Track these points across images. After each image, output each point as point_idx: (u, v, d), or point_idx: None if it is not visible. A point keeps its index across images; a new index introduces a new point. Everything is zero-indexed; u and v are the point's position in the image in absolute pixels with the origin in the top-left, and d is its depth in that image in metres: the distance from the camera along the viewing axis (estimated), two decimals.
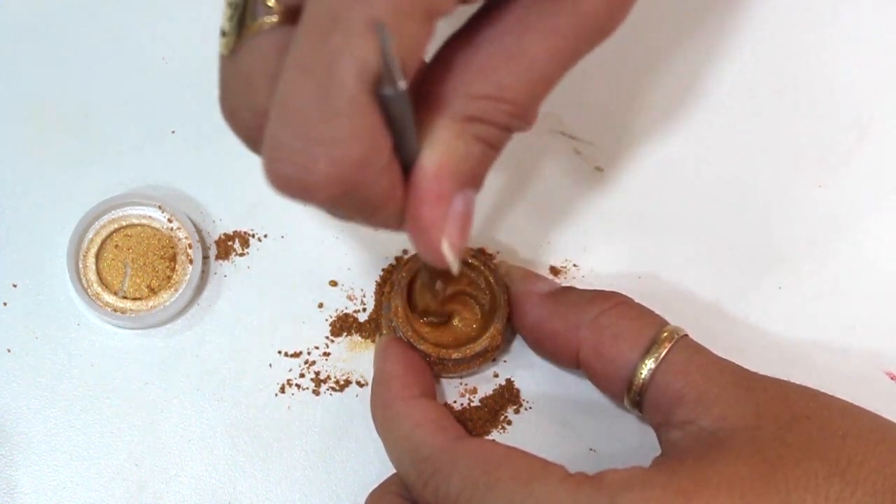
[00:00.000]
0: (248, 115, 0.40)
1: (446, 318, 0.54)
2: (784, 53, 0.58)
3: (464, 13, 0.41)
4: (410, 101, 0.38)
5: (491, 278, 0.53)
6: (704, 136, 0.57)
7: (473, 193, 0.42)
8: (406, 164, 0.40)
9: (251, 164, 0.56)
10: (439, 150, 0.41)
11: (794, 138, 0.57)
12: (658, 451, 0.48)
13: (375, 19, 0.36)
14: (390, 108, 0.38)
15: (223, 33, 0.40)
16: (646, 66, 0.57)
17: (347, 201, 0.39)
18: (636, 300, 0.51)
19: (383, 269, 0.55)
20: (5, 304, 0.54)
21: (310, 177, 0.38)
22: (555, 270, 0.55)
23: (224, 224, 0.56)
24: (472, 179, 0.42)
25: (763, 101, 0.58)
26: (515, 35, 0.41)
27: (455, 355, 0.52)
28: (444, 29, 0.41)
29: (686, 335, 0.49)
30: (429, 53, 0.41)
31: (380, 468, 0.52)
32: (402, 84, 0.37)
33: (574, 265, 0.56)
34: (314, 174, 0.38)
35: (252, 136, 0.41)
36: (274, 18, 0.39)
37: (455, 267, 0.42)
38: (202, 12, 0.58)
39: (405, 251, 0.55)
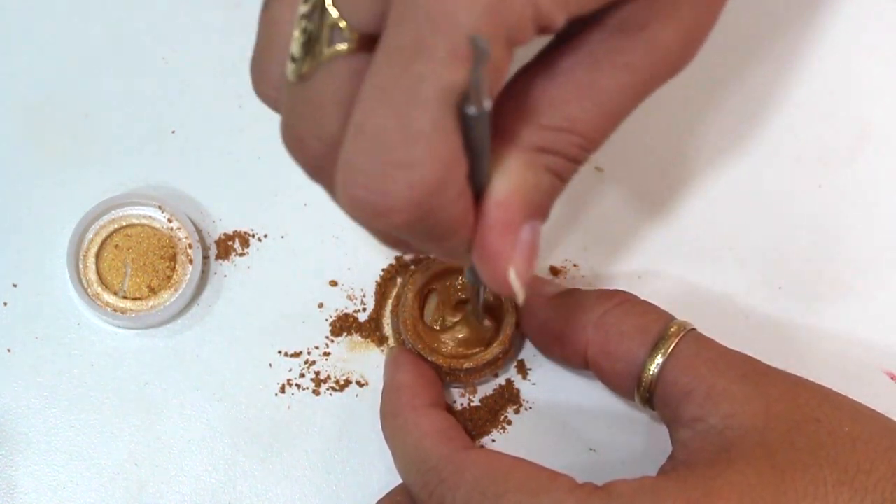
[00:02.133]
0: (316, 144, 0.40)
1: (484, 338, 0.54)
2: (784, 53, 0.58)
3: (537, 44, 0.41)
4: (490, 124, 0.38)
5: None
6: (704, 135, 0.57)
7: (540, 224, 0.42)
8: (476, 191, 0.40)
9: (251, 165, 0.56)
10: (510, 179, 0.40)
11: (795, 138, 0.57)
12: (658, 450, 0.48)
13: (462, 47, 0.36)
14: (471, 130, 0.37)
15: (293, 59, 0.39)
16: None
17: (421, 226, 0.38)
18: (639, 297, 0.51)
19: (383, 269, 0.55)
20: (5, 304, 0.54)
21: (387, 200, 0.37)
22: (555, 270, 0.55)
23: (224, 224, 0.56)
24: (540, 209, 0.42)
25: (763, 100, 0.58)
26: (588, 69, 0.40)
27: (466, 365, 0.52)
28: (518, 59, 0.41)
29: (694, 329, 0.49)
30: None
31: (380, 468, 0.52)
32: (488, 103, 0.36)
33: (574, 265, 0.56)
34: (391, 198, 0.37)
35: (318, 164, 0.40)
36: (350, 45, 0.38)
37: (521, 296, 0.42)
38: (202, 13, 0.58)
39: None
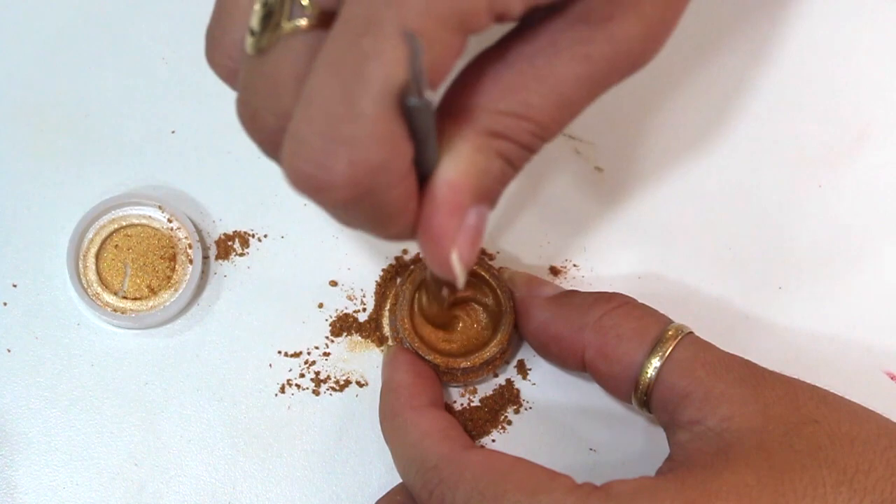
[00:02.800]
0: (271, 119, 0.40)
1: (449, 323, 0.54)
2: (784, 53, 0.58)
3: (497, 31, 0.41)
4: (434, 113, 0.38)
5: (495, 285, 0.53)
6: (704, 135, 0.57)
7: (487, 210, 0.42)
8: (423, 174, 0.40)
9: (251, 165, 0.56)
10: (459, 162, 0.40)
11: (795, 138, 0.57)
12: (657, 451, 0.48)
13: (408, 27, 0.36)
14: (414, 119, 0.37)
15: (251, 32, 0.39)
16: (645, 66, 0.57)
17: (361, 206, 0.39)
18: (636, 300, 0.51)
19: (383, 269, 0.55)
20: (5, 304, 0.54)
21: (328, 176, 0.37)
22: (555, 270, 0.55)
23: (224, 224, 0.56)
24: (488, 195, 0.42)
25: (763, 100, 0.58)
26: (547, 57, 0.40)
27: (464, 364, 0.52)
28: (476, 45, 0.41)
29: (691, 332, 0.49)
30: (459, 67, 0.41)
31: (380, 468, 0.52)
32: (429, 94, 0.37)
33: (574, 265, 0.56)
34: (332, 173, 0.37)
35: (272, 140, 0.40)
36: (309, 21, 0.39)
37: (462, 280, 0.42)
38: (202, 12, 0.58)
39: (405, 251, 0.55)
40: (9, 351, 0.54)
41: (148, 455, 0.53)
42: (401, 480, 0.50)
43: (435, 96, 0.37)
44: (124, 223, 0.55)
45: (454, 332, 0.54)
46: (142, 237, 0.55)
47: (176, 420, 0.53)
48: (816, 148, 0.57)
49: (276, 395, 0.54)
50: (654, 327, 0.49)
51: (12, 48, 0.57)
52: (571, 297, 0.51)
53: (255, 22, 0.39)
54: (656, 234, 0.56)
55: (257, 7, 0.39)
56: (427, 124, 0.38)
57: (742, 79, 0.58)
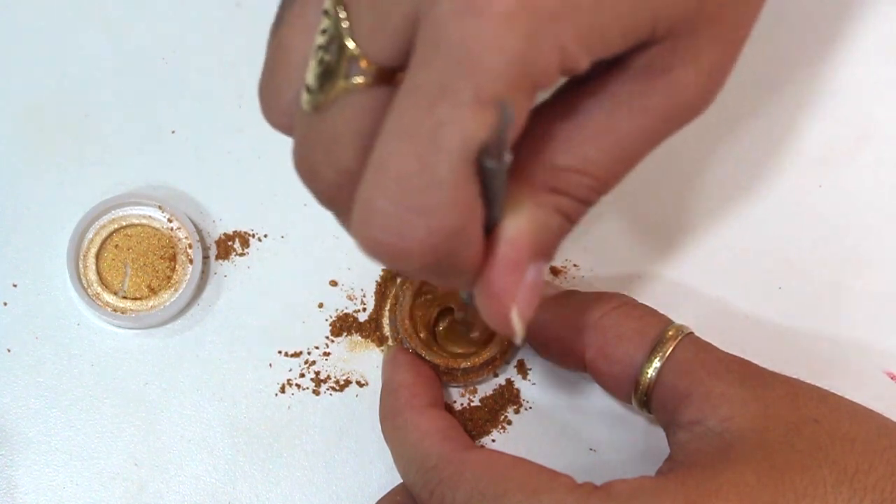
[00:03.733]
0: (331, 175, 0.39)
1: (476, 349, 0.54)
2: (784, 52, 0.58)
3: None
4: (506, 175, 0.38)
5: None
6: (705, 135, 0.57)
7: (546, 265, 0.42)
8: (487, 229, 0.40)
9: (251, 165, 0.56)
10: (521, 219, 0.40)
11: (795, 138, 0.57)
12: (658, 451, 0.48)
13: (487, 92, 0.35)
14: (489, 180, 0.37)
15: (308, 90, 0.39)
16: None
17: (436, 268, 0.39)
18: (637, 300, 0.51)
19: (383, 269, 0.55)
20: (5, 304, 0.54)
21: (406, 244, 0.37)
22: (555, 270, 0.55)
23: (224, 224, 0.56)
24: (547, 250, 0.41)
25: (763, 100, 0.58)
26: (608, 111, 0.40)
27: (464, 364, 0.52)
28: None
29: (691, 333, 0.49)
30: None
31: (380, 468, 0.52)
32: (508, 157, 0.36)
33: (574, 265, 0.56)
34: (410, 242, 0.37)
35: (331, 195, 0.40)
36: (367, 79, 0.38)
37: (521, 336, 0.41)
38: (202, 12, 0.58)
39: None
40: (9, 351, 0.54)
41: (148, 455, 0.53)
42: (401, 480, 0.50)
43: (510, 157, 0.37)
44: (124, 223, 0.55)
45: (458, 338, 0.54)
46: (142, 237, 0.55)
47: (176, 420, 0.53)
48: (816, 148, 0.57)
49: (276, 395, 0.54)
50: (655, 327, 0.49)
51: (12, 48, 0.57)
52: (572, 297, 0.51)
53: (311, 79, 0.39)
54: (656, 234, 0.56)
55: (313, 64, 0.39)
56: (500, 185, 0.38)
57: (742, 79, 0.58)
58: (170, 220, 0.55)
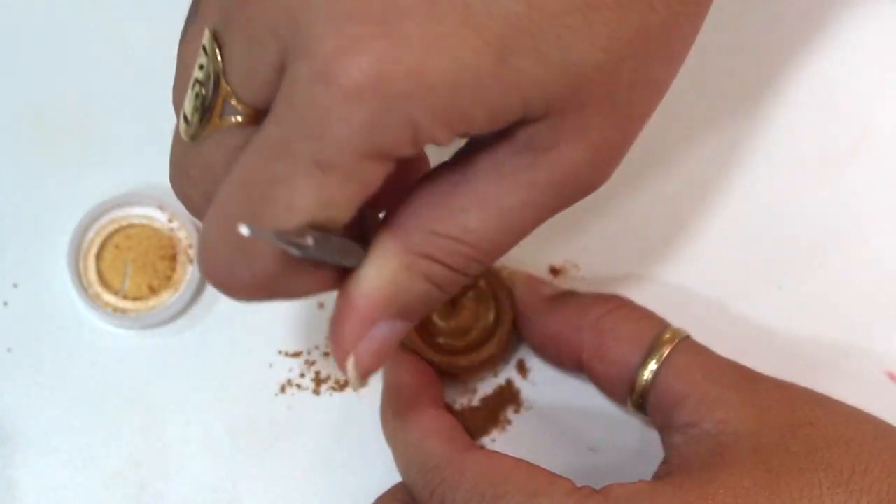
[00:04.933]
0: (199, 198, 0.42)
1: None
2: (784, 52, 0.58)
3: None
4: (332, 241, 0.38)
5: (494, 284, 0.53)
6: (704, 135, 0.57)
7: (404, 326, 0.42)
8: (349, 265, 0.41)
9: None
10: (379, 277, 0.41)
11: (794, 138, 0.57)
12: (657, 451, 0.48)
13: (327, 158, 0.36)
14: (307, 255, 0.38)
15: (186, 120, 0.41)
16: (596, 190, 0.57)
17: (263, 299, 0.41)
18: (636, 300, 0.51)
19: None
20: (5, 304, 0.54)
21: (232, 282, 0.39)
22: (555, 270, 0.55)
23: None
24: (407, 314, 0.42)
25: (763, 100, 0.58)
26: (492, 182, 0.40)
27: (463, 363, 0.52)
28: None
29: (688, 336, 0.49)
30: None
31: (380, 468, 0.52)
32: (309, 241, 0.37)
33: (574, 265, 0.56)
34: (234, 280, 0.39)
35: (200, 212, 0.42)
36: (241, 119, 0.39)
37: (354, 384, 0.42)
38: None
39: None
40: (9, 351, 0.54)
41: (148, 455, 0.53)
42: (401, 480, 0.50)
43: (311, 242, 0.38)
44: (124, 223, 0.55)
45: (455, 331, 0.54)
46: (142, 237, 0.55)
47: (176, 420, 0.53)
48: (816, 148, 0.57)
49: (276, 395, 0.54)
50: (652, 330, 0.49)
51: (12, 48, 0.57)
52: (570, 298, 0.51)
53: (189, 110, 0.40)
54: (656, 234, 0.56)
55: (191, 95, 0.40)
56: (331, 251, 0.39)
57: (742, 79, 0.58)
58: (170, 220, 0.55)
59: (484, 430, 0.53)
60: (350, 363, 0.42)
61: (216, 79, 0.39)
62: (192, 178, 0.41)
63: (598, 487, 0.44)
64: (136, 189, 0.56)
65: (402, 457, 0.49)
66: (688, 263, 0.55)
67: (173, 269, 0.54)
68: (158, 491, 0.52)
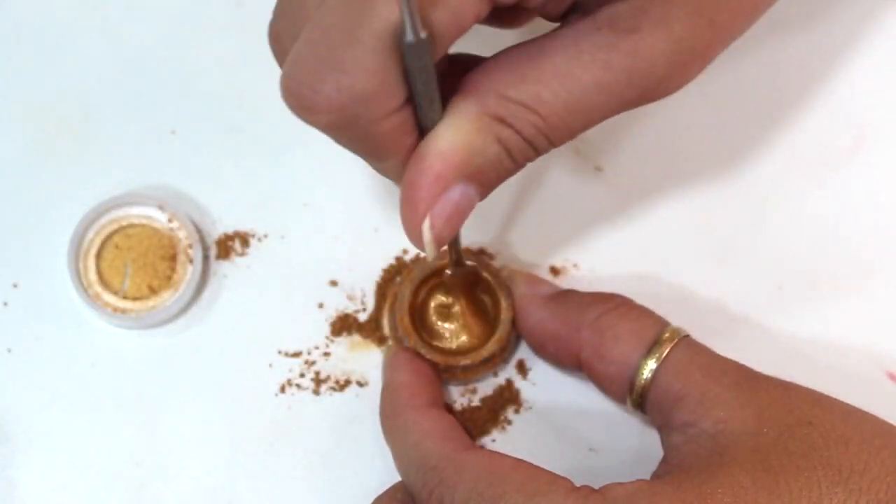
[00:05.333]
0: (288, 42, 0.40)
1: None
2: (783, 52, 0.58)
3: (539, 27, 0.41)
4: (431, 60, 0.38)
5: (494, 283, 0.53)
6: (704, 135, 0.57)
7: (475, 192, 0.42)
8: (423, 129, 0.40)
9: (251, 165, 0.56)
10: (456, 134, 0.40)
11: (794, 138, 0.57)
12: (657, 451, 0.48)
13: None
14: (410, 59, 0.38)
15: None
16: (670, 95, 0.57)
17: (347, 133, 0.39)
18: (636, 300, 0.51)
19: (383, 270, 0.55)
20: (5, 304, 0.54)
21: (314, 97, 0.38)
22: (555, 270, 0.55)
23: (224, 224, 0.56)
24: (479, 177, 0.41)
25: (762, 100, 0.58)
26: (567, 56, 0.40)
27: (463, 362, 0.52)
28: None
29: (688, 335, 0.49)
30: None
31: (380, 468, 0.52)
32: (423, 34, 0.37)
33: (574, 265, 0.56)
34: (319, 96, 0.38)
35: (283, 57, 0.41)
36: None
37: (430, 251, 0.41)
38: (203, 12, 0.58)
39: (405, 251, 0.55)
40: (9, 351, 0.54)
41: (148, 455, 0.53)
42: (400, 479, 0.50)
43: (424, 35, 0.37)
44: (124, 223, 0.55)
45: (455, 330, 0.54)
46: (142, 237, 0.55)
47: (176, 420, 0.53)
48: (816, 148, 0.57)
49: (276, 395, 0.54)
50: (651, 329, 0.49)
51: (12, 48, 0.57)
52: (570, 297, 0.51)
53: None
54: (656, 234, 0.56)
55: None
56: (422, 67, 0.38)
57: (742, 79, 0.58)
58: (170, 220, 0.55)
59: (484, 430, 0.53)
60: (426, 226, 0.41)
61: None
62: (284, 17, 0.41)
63: (597, 487, 0.44)
64: (136, 189, 0.56)
65: (401, 456, 0.49)
66: (687, 263, 0.55)
67: (173, 269, 0.54)
68: (158, 491, 0.52)
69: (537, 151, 0.42)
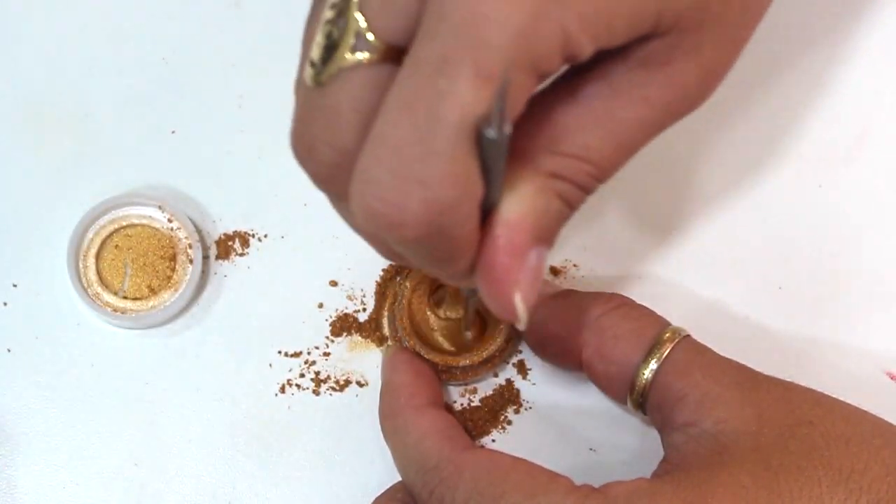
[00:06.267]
0: (328, 152, 0.39)
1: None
2: (784, 53, 0.58)
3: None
4: (507, 150, 0.38)
5: None
6: (705, 135, 0.57)
7: (546, 251, 0.41)
8: (485, 211, 0.40)
9: (251, 165, 0.56)
10: (522, 202, 0.40)
11: (794, 138, 0.57)
12: (657, 450, 0.48)
13: (487, 67, 0.36)
14: (488, 152, 0.37)
15: (312, 64, 0.39)
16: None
17: (429, 244, 0.38)
18: (636, 300, 0.51)
19: (383, 269, 0.55)
20: (5, 304, 0.54)
21: (400, 215, 0.37)
22: (555, 270, 0.55)
23: (224, 224, 0.56)
24: (547, 235, 0.41)
25: (763, 100, 0.58)
26: (607, 99, 0.40)
27: (463, 363, 0.52)
28: None
29: (688, 335, 0.49)
30: None
31: (380, 468, 0.52)
32: (508, 128, 0.36)
33: (574, 265, 0.56)
34: (405, 212, 0.37)
35: (326, 173, 0.40)
36: (372, 55, 0.38)
37: (524, 322, 0.41)
38: (202, 12, 0.58)
39: None
40: (9, 351, 0.54)
41: (148, 455, 0.53)
42: (400, 479, 0.50)
43: (510, 129, 0.37)
44: (124, 223, 0.55)
45: (455, 330, 0.54)
46: (142, 237, 0.55)
47: (176, 420, 0.53)
48: (816, 148, 0.57)
49: (276, 395, 0.54)
50: (652, 329, 0.49)
51: (12, 48, 0.57)
52: (570, 297, 0.51)
53: (316, 53, 0.39)
54: (656, 234, 0.56)
55: (319, 38, 0.39)
56: (500, 157, 0.38)
57: (742, 79, 0.58)
58: (170, 220, 0.55)
59: (484, 430, 0.53)
60: (518, 300, 0.40)
61: (348, 14, 0.38)
62: (319, 126, 0.39)
63: (597, 486, 0.44)
64: (136, 189, 0.56)
65: (401, 457, 0.49)
66: (688, 263, 0.55)
67: (173, 269, 0.54)
68: (158, 491, 0.52)
69: (589, 193, 0.42)
